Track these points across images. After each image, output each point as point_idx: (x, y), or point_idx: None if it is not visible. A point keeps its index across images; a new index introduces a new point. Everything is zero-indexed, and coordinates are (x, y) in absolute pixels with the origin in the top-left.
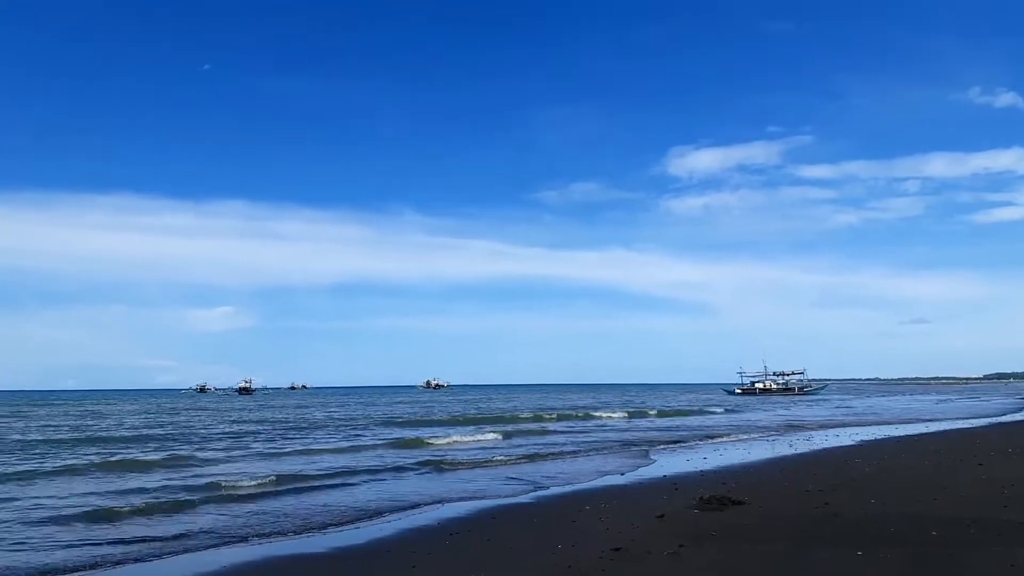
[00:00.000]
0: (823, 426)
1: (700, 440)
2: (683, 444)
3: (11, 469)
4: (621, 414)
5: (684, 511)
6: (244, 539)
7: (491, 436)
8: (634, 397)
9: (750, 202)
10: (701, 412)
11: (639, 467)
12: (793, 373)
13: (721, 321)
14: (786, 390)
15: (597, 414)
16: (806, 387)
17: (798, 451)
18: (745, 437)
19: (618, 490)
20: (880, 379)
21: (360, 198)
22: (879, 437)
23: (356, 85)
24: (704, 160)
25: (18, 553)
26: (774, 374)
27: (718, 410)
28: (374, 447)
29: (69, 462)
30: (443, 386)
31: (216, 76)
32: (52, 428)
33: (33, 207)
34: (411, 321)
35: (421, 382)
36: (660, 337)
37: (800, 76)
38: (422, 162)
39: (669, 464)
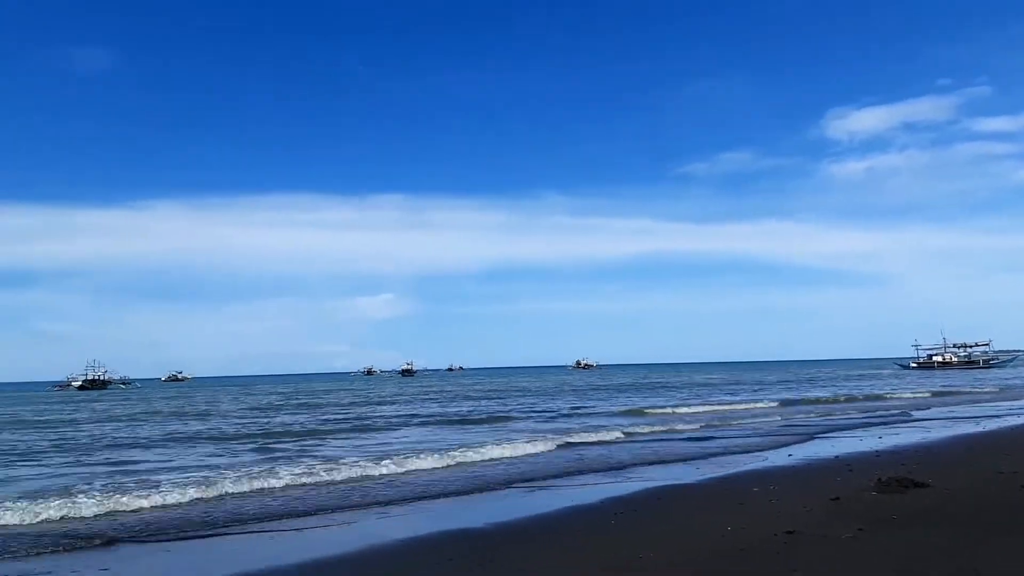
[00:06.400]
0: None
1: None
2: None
3: None
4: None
5: (861, 493)
6: None
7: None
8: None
9: (919, 162)
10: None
11: (806, 447)
12: (977, 344)
13: (892, 292)
14: (969, 363)
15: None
16: (992, 359)
17: (985, 428)
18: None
19: (788, 471)
20: None
21: (507, 185)
22: None
23: (498, 77)
24: (866, 120)
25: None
26: (954, 346)
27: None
28: None
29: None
30: (592, 366)
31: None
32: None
33: (213, 210)
34: (560, 303)
35: (571, 362)
36: (823, 311)
37: (971, 24)
38: (566, 145)
39: (839, 444)
